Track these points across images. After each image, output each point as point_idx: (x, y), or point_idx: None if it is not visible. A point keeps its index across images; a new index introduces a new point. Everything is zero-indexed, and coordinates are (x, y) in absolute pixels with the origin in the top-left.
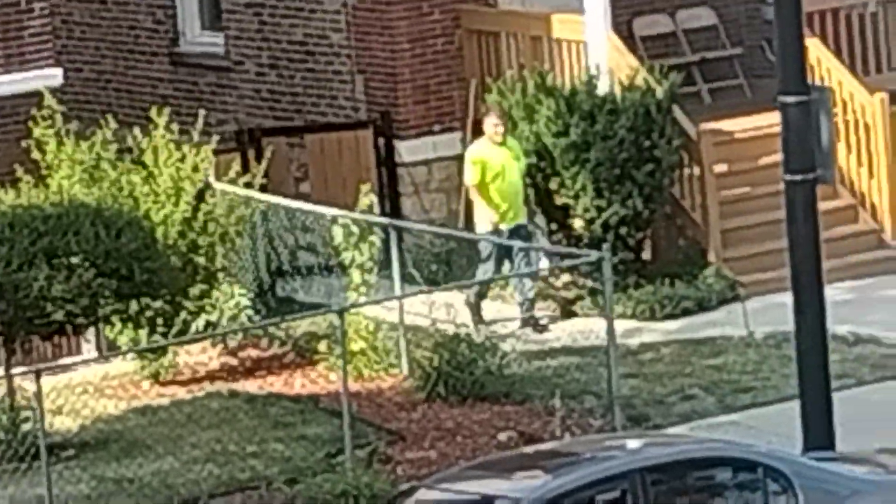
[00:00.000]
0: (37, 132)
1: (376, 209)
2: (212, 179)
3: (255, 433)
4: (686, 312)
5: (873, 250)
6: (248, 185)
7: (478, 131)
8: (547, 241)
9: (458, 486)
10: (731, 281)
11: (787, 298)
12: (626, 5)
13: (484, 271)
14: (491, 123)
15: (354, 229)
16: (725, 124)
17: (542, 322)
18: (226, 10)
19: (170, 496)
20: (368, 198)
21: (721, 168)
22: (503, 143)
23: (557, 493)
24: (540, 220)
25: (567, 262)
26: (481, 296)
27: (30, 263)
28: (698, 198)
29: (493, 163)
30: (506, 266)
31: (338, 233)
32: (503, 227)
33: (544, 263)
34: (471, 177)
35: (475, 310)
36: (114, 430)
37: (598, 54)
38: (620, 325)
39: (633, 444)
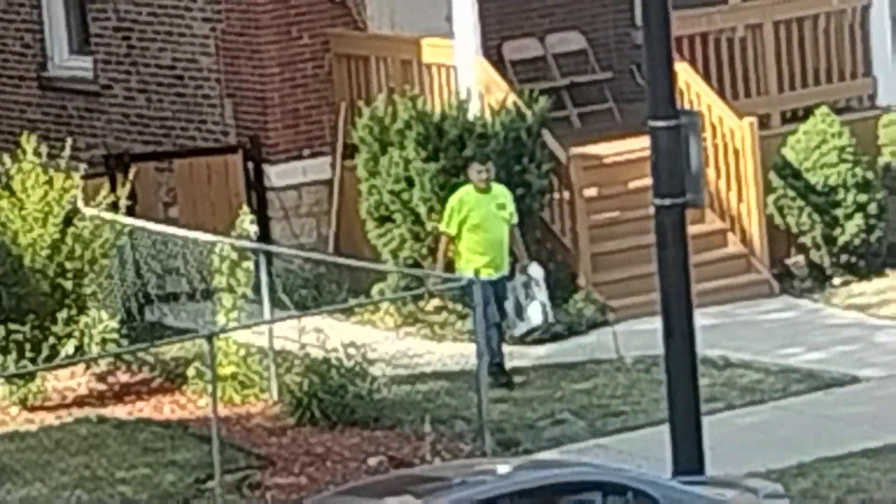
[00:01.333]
0: None
1: (254, 230)
2: (80, 204)
3: (124, 459)
4: (556, 337)
5: (743, 274)
6: (115, 210)
7: (347, 155)
8: (545, 292)
9: None
10: (601, 305)
11: (657, 323)
12: (496, 30)
13: (491, 315)
14: (475, 169)
15: (232, 254)
16: (595, 148)
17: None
18: (94, 34)
19: None
20: (247, 221)
21: (591, 192)
22: (487, 191)
23: None
24: (536, 269)
25: (437, 287)
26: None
27: None
28: (568, 222)
29: (475, 211)
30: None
31: (215, 258)
32: (483, 277)
33: (536, 314)
34: (446, 223)
35: (499, 373)
36: None
37: (467, 78)
38: None
39: (503, 468)
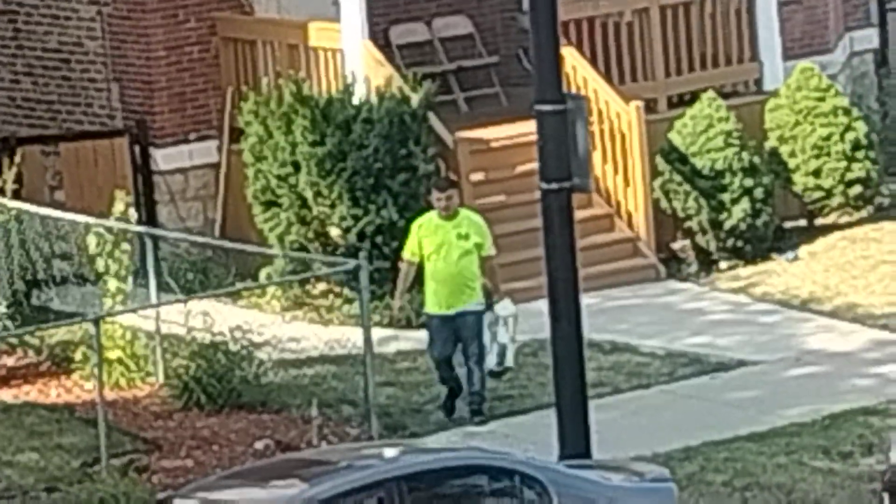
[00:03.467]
0: None
1: (133, 214)
2: None
3: (10, 442)
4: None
5: (629, 258)
6: (1, 193)
7: (234, 139)
8: (509, 334)
9: (214, 494)
10: (487, 289)
11: (544, 306)
12: (383, 13)
13: (436, 351)
14: (434, 196)
15: (108, 237)
16: (482, 132)
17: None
18: None
19: None
20: (123, 202)
21: (478, 176)
22: (450, 218)
23: (314, 501)
24: (504, 308)
25: (324, 271)
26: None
27: None
28: None
29: (429, 238)
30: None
31: (91, 241)
32: (438, 312)
33: (492, 358)
34: (406, 249)
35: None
36: None
37: (354, 62)
38: (377, 334)
39: (390, 452)
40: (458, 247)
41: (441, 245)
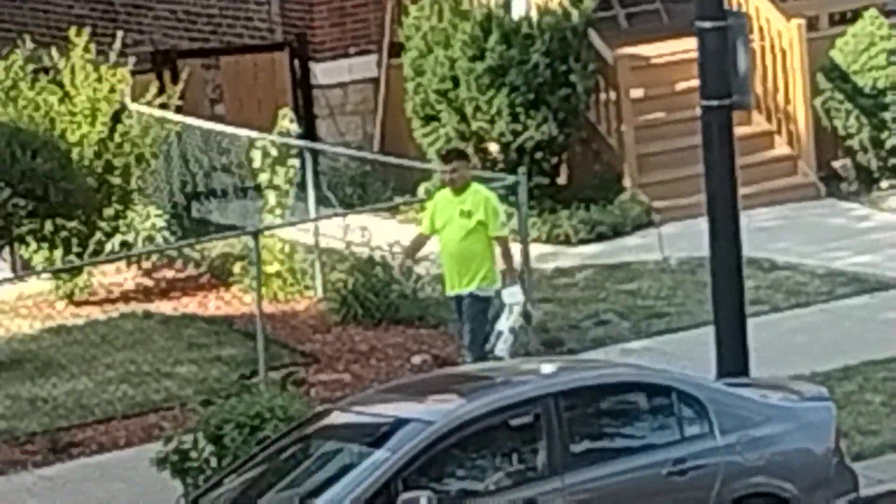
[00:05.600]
0: None
1: (294, 129)
2: (128, 101)
3: (169, 354)
4: (601, 237)
5: (789, 177)
6: (163, 107)
7: (393, 54)
8: (509, 322)
9: (371, 408)
10: (646, 206)
11: (703, 224)
12: None
13: (458, 332)
14: (440, 168)
15: (272, 151)
16: (642, 49)
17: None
18: None
19: (84, 416)
20: (287, 120)
21: (637, 93)
22: (458, 193)
23: (471, 416)
24: (510, 294)
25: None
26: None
27: None
28: (614, 123)
29: (437, 214)
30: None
31: (256, 155)
32: (449, 292)
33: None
34: (422, 221)
35: None
36: (28, 349)
37: None
38: (535, 250)
39: (546, 368)
40: (460, 225)
41: (447, 222)
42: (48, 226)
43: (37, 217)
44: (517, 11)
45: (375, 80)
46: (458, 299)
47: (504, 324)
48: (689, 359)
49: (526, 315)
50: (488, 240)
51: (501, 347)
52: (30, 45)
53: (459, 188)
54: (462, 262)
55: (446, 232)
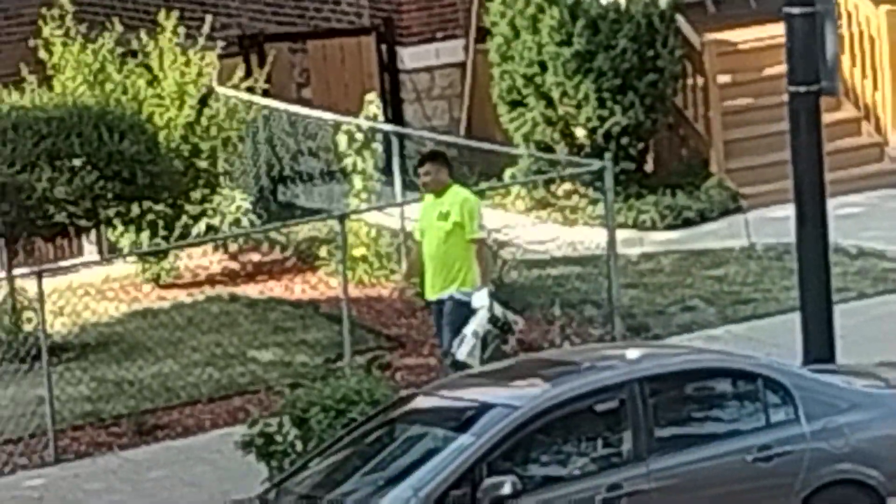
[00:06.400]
0: (45, 32)
1: (381, 117)
2: (215, 84)
3: (255, 337)
4: (687, 223)
5: (876, 163)
6: (250, 90)
7: (480, 39)
8: (473, 327)
9: (456, 392)
10: (733, 192)
11: (789, 211)
12: None
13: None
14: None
15: (358, 136)
16: (730, 34)
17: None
18: None
19: (169, 399)
20: (374, 106)
21: (725, 79)
22: (438, 196)
23: (556, 401)
24: (478, 299)
25: (569, 172)
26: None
27: (32, 165)
28: (701, 108)
29: (424, 218)
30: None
31: (341, 139)
32: (428, 297)
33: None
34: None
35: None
36: (114, 332)
37: None
38: (621, 235)
39: (632, 354)
40: (438, 227)
41: (428, 226)
42: (135, 209)
43: (124, 200)
44: None
45: (462, 65)
46: (439, 304)
47: (468, 328)
48: (774, 345)
49: (500, 322)
50: (468, 243)
51: (462, 351)
52: (118, 28)
53: (441, 191)
54: (441, 266)
55: (427, 235)
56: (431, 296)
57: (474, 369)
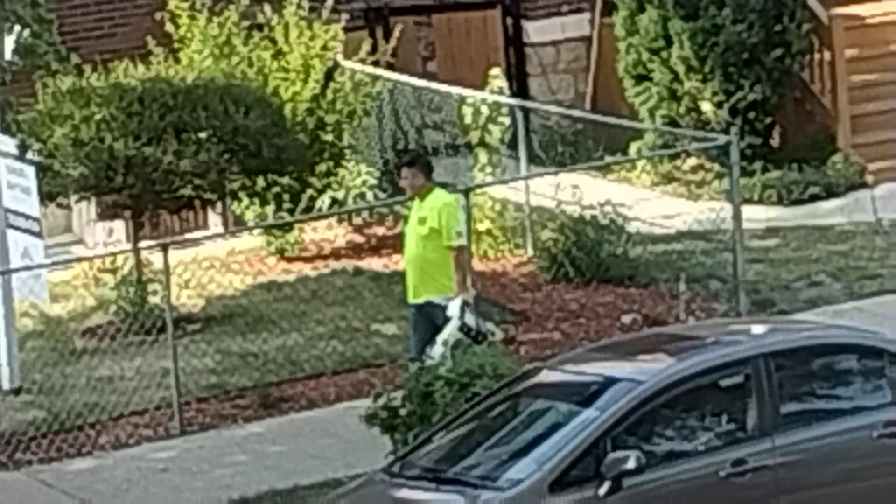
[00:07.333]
0: (171, 4)
1: (506, 91)
2: (340, 58)
3: (379, 311)
4: (813, 198)
5: None
6: (375, 64)
7: (606, 13)
8: (445, 334)
9: (580, 367)
10: (859, 167)
11: None
12: None
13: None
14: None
15: (484, 109)
16: (857, 9)
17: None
18: None
19: (294, 372)
20: (499, 80)
21: (852, 53)
22: (421, 199)
23: (681, 376)
24: (452, 307)
25: (694, 146)
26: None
27: (159, 138)
28: (828, 83)
29: (409, 221)
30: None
31: (467, 113)
32: (409, 301)
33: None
34: None
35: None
36: (239, 304)
37: None
38: (747, 210)
39: (757, 329)
40: (416, 231)
41: (410, 229)
42: (260, 182)
43: (249, 173)
44: None
45: (588, 39)
46: (416, 308)
47: (440, 336)
48: None
49: (472, 332)
50: (446, 249)
51: (431, 360)
52: (243, 1)
53: (423, 195)
54: (418, 270)
55: (408, 239)
56: (410, 299)
57: (602, 342)
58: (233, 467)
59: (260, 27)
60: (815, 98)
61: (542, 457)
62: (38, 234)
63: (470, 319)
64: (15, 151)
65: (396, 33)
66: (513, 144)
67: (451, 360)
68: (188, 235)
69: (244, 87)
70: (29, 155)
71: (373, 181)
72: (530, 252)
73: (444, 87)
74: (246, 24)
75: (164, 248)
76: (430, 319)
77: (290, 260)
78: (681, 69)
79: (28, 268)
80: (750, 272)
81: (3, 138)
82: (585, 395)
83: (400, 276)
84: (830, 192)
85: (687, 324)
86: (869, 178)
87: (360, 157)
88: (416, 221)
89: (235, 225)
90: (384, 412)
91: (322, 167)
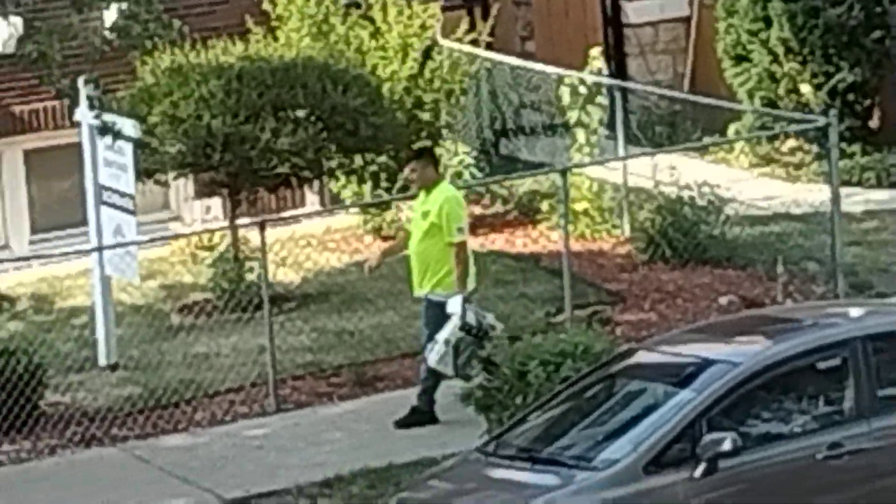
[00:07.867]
0: None
1: (605, 72)
2: (438, 37)
3: (475, 290)
4: None
5: None
6: (473, 43)
7: None
8: (445, 333)
9: (677, 348)
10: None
11: None
12: None
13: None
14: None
15: (582, 90)
16: None
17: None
18: None
19: (389, 350)
20: (598, 61)
21: None
22: (426, 192)
23: (778, 358)
24: (452, 304)
25: (793, 128)
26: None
27: (256, 116)
28: None
29: (414, 212)
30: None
31: (565, 93)
32: (414, 294)
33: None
34: None
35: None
36: (335, 283)
37: None
38: (845, 192)
39: (855, 311)
40: (418, 226)
41: (414, 221)
42: (357, 160)
43: (346, 151)
44: None
45: (687, 19)
46: (427, 301)
47: (441, 334)
48: None
49: (473, 330)
50: (447, 244)
51: (432, 358)
52: None
53: (429, 188)
54: (420, 263)
55: (413, 231)
56: (415, 292)
57: (699, 323)
58: (327, 445)
59: (357, 5)
60: None
61: (638, 437)
62: (132, 212)
63: (471, 317)
64: (115, 129)
65: (494, 13)
66: (611, 125)
67: (451, 359)
68: (285, 213)
69: (342, 66)
70: (128, 131)
71: (470, 160)
72: (627, 232)
73: (542, 67)
74: (344, 2)
75: (262, 226)
76: (428, 314)
77: (386, 238)
78: (780, 51)
79: (121, 245)
80: (848, 255)
81: (104, 116)
82: (682, 376)
83: (497, 256)
84: None
85: (784, 306)
86: None
87: (458, 136)
88: (420, 216)
89: (332, 203)
90: (479, 391)
91: (419, 146)
